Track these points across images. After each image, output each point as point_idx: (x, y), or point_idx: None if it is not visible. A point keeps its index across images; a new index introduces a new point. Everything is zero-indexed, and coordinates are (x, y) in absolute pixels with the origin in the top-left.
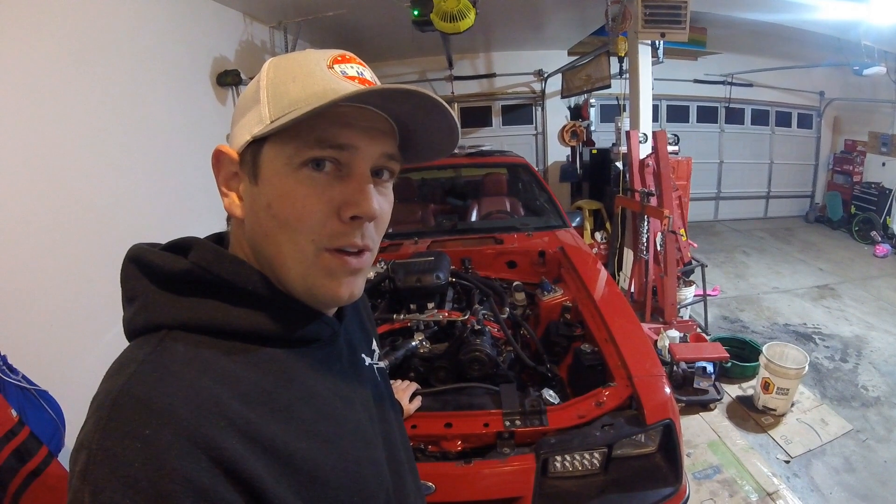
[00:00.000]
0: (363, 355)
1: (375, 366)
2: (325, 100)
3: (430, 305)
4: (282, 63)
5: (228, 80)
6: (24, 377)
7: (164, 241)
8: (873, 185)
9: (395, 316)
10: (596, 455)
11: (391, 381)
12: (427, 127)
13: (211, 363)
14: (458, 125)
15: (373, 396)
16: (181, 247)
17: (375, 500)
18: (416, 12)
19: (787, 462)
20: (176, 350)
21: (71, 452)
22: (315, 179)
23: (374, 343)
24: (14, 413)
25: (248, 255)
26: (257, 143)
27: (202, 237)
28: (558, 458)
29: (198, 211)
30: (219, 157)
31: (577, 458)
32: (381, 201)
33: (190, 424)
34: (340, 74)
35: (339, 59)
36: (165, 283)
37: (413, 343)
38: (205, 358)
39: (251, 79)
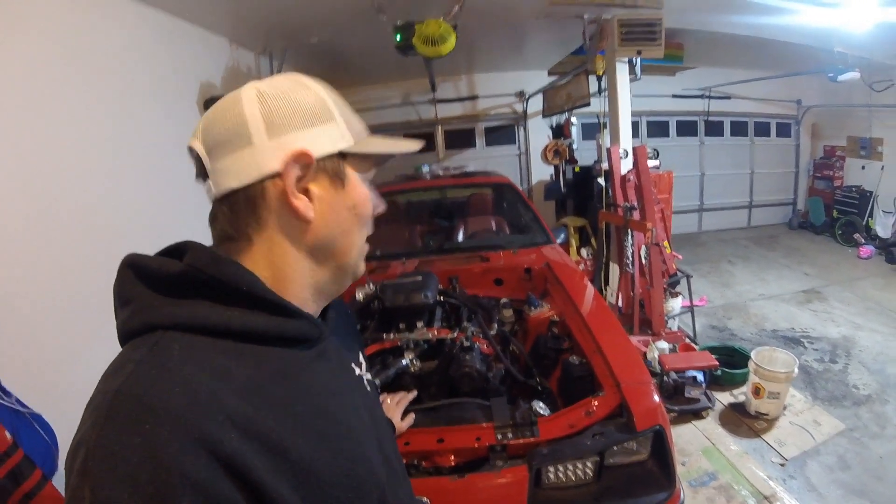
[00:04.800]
0: (352, 364)
1: (365, 377)
2: (365, 136)
3: (420, 324)
4: (326, 88)
5: None
6: (17, 400)
7: None
8: (854, 189)
9: (384, 335)
10: (588, 464)
11: (382, 397)
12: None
13: (207, 361)
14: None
15: (364, 403)
16: (176, 251)
17: (369, 499)
18: (398, 37)
19: (783, 464)
20: (172, 349)
21: (68, 451)
22: (369, 189)
23: (361, 356)
24: (8, 435)
25: (290, 256)
26: (341, 155)
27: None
28: (551, 468)
29: (187, 232)
30: (299, 159)
31: (570, 467)
32: None
33: (188, 420)
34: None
35: None
36: (160, 285)
37: (403, 362)
38: (201, 356)
39: None
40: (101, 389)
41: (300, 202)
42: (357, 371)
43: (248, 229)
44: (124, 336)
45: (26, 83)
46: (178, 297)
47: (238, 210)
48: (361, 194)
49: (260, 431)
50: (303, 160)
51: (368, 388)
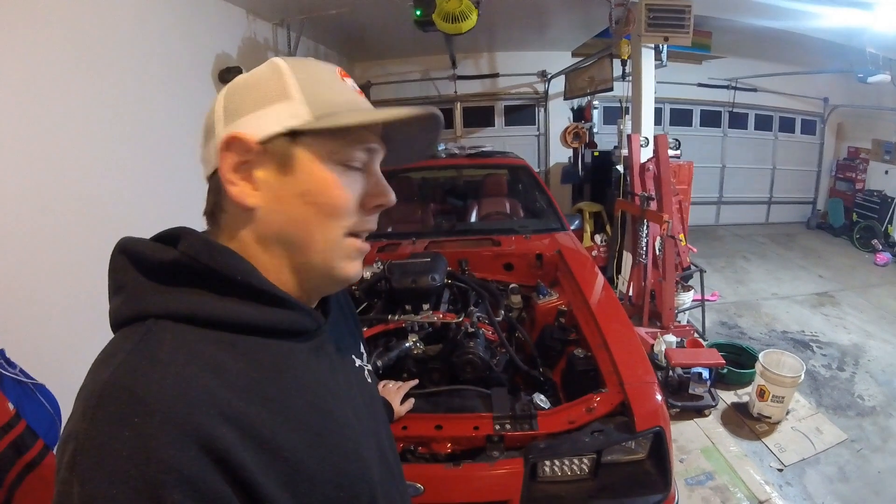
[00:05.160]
0: (353, 356)
1: (365, 367)
2: (355, 108)
3: (426, 307)
4: (299, 65)
5: (230, 77)
6: (21, 371)
7: None
8: (875, 193)
9: (389, 316)
10: (585, 460)
11: (384, 382)
12: (412, 138)
13: (199, 352)
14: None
15: (362, 396)
16: (171, 237)
17: (360, 498)
18: (418, 12)
19: (781, 470)
20: (163, 339)
21: (58, 444)
22: (348, 174)
23: (362, 346)
24: (11, 406)
25: (248, 245)
26: (290, 136)
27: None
28: (547, 462)
29: (197, 206)
30: (230, 144)
31: (567, 463)
32: None
33: (179, 413)
34: (351, 88)
35: (342, 73)
36: (153, 273)
37: (407, 344)
38: (193, 347)
39: None
40: (90, 379)
41: (235, 188)
42: (357, 362)
43: (217, 217)
44: (116, 324)
45: (33, 60)
46: (171, 285)
47: (210, 198)
48: (318, 179)
49: (252, 427)
50: (234, 145)
51: (369, 380)
